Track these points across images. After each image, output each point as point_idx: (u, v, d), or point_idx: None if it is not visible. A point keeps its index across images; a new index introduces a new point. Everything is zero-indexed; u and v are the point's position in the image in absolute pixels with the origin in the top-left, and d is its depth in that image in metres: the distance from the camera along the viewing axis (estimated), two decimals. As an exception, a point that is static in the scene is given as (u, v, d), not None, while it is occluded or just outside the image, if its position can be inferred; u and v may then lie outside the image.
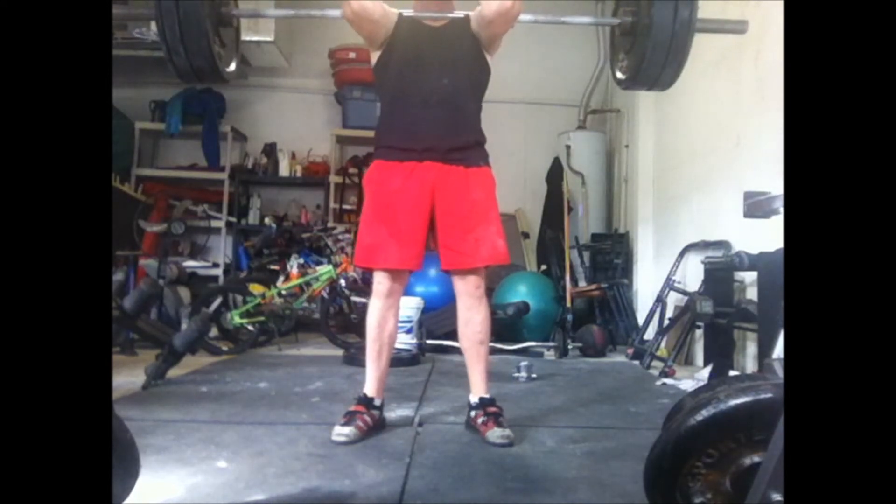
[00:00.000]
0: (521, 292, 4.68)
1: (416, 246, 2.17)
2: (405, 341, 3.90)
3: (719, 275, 3.58)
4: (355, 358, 3.48)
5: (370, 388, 2.22)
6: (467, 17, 2.13)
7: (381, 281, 2.19)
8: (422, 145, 2.14)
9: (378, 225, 2.18)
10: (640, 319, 4.60)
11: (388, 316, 2.20)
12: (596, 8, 5.89)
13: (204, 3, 1.55)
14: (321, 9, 2.21)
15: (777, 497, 0.95)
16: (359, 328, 3.85)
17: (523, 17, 1.96)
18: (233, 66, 1.81)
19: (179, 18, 1.53)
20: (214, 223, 5.88)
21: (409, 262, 2.18)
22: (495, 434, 2.07)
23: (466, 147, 2.19)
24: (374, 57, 2.22)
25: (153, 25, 1.59)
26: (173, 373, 3.12)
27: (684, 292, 3.90)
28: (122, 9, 1.44)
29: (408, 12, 2.14)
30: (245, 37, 5.48)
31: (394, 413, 2.42)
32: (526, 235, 6.05)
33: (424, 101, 2.14)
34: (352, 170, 6.10)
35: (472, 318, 2.19)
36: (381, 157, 2.22)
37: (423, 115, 2.14)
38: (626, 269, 5.18)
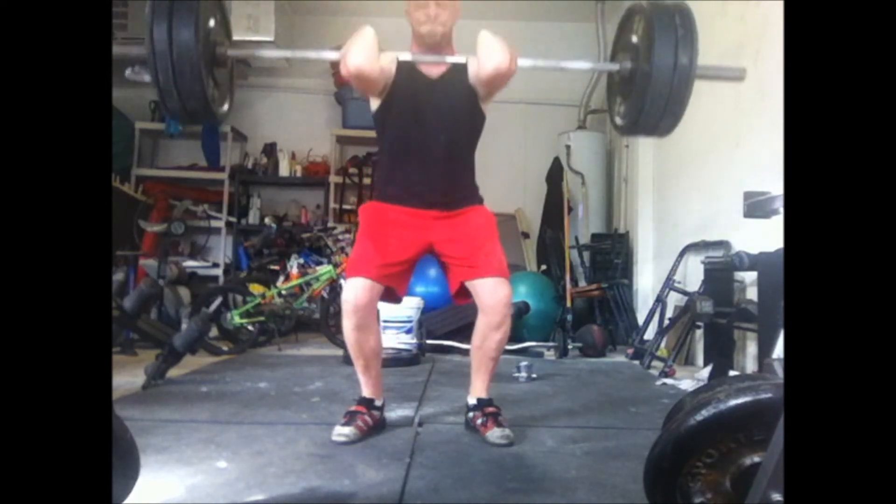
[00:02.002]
0: (521, 292, 4.68)
1: (399, 266, 2.14)
2: (405, 341, 3.90)
3: (719, 275, 3.58)
4: (355, 358, 3.48)
5: (367, 392, 2.22)
6: (465, 69, 2.10)
7: (347, 298, 2.08)
8: (421, 198, 2.17)
9: (366, 240, 2.17)
10: (640, 319, 4.60)
11: (366, 334, 2.11)
12: (596, 8, 5.91)
13: (198, 44, 1.51)
14: (318, 50, 2.23)
15: (777, 497, 0.95)
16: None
17: (522, 62, 1.95)
18: (226, 107, 1.78)
19: (173, 62, 1.48)
20: (214, 223, 5.88)
21: (387, 279, 2.11)
22: (495, 434, 2.07)
23: (463, 198, 2.23)
24: (374, 104, 2.20)
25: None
26: (173, 373, 3.12)
27: (684, 292, 3.90)
28: (116, 47, 1.38)
29: (405, 56, 2.13)
30: (245, 37, 5.52)
31: (394, 413, 2.42)
32: (526, 235, 6.05)
33: (423, 159, 2.16)
34: (352, 170, 6.11)
35: (491, 336, 2.11)
36: (378, 200, 2.25)
37: (423, 172, 2.16)
38: (626, 269, 5.18)
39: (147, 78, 1.54)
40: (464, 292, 2.18)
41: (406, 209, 2.18)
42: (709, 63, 1.66)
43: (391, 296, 2.20)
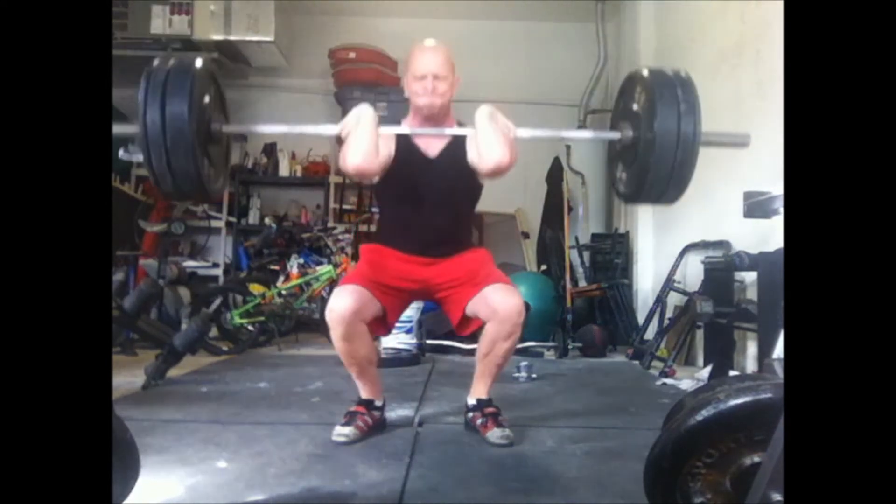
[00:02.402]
0: (521, 292, 4.66)
1: (391, 293, 2.15)
2: (405, 341, 3.90)
3: (719, 275, 3.58)
4: (355, 358, 3.47)
5: (366, 395, 2.21)
6: (463, 144, 2.09)
7: (332, 307, 2.04)
8: (419, 251, 2.19)
9: (363, 265, 2.20)
10: (640, 319, 4.60)
11: (354, 344, 2.08)
12: (596, 8, 5.90)
13: (192, 123, 1.45)
14: (316, 125, 2.21)
15: (777, 497, 0.95)
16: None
17: (522, 133, 1.96)
18: (220, 183, 1.75)
19: (167, 148, 1.45)
20: (214, 223, 5.88)
21: (378, 292, 2.10)
22: (495, 434, 2.07)
23: (460, 248, 2.26)
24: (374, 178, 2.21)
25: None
26: (173, 373, 3.12)
27: (684, 292, 3.90)
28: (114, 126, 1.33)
29: (404, 130, 2.15)
30: (245, 37, 5.52)
31: (394, 413, 2.42)
32: (526, 235, 6.05)
33: (422, 229, 2.19)
34: (352, 170, 6.10)
35: (500, 344, 2.10)
36: (378, 244, 2.28)
37: (421, 237, 2.19)
38: (626, 269, 5.17)
39: (141, 157, 1.50)
40: (466, 321, 2.18)
41: (407, 256, 2.20)
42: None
43: (381, 323, 2.18)
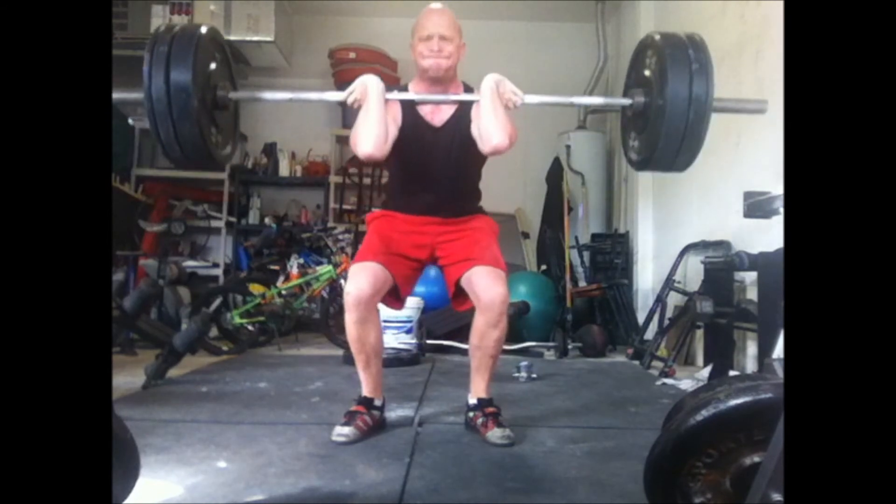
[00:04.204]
0: (521, 292, 4.68)
1: (404, 263, 2.19)
2: (405, 341, 3.90)
3: (719, 275, 3.58)
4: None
5: (367, 391, 2.22)
6: (468, 114, 2.10)
7: (350, 290, 2.07)
8: (427, 213, 2.23)
9: (374, 237, 2.22)
10: (640, 319, 4.60)
11: (367, 329, 2.10)
12: (596, 8, 5.90)
13: (197, 89, 1.45)
14: (320, 91, 2.22)
15: (777, 497, 0.95)
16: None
17: (530, 98, 1.95)
18: (229, 150, 1.75)
19: (173, 116, 1.45)
20: (214, 223, 5.88)
21: (393, 267, 2.14)
22: (495, 434, 2.07)
23: (467, 210, 2.31)
24: None
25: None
26: (173, 373, 3.12)
27: (684, 292, 3.90)
28: (117, 93, 1.34)
29: (410, 95, 2.16)
30: (245, 37, 5.52)
31: (394, 413, 2.42)
32: (526, 235, 6.05)
33: (430, 192, 2.22)
34: (352, 170, 6.10)
35: (489, 334, 2.10)
36: (386, 209, 2.32)
37: (429, 200, 2.22)
38: (626, 269, 5.17)
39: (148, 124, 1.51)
40: (461, 295, 2.19)
41: (413, 217, 2.24)
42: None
43: (394, 296, 2.21)
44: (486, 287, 2.07)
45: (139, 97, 1.49)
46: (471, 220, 2.27)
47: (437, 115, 2.17)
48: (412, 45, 2.14)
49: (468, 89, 2.19)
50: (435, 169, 2.20)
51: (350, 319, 2.08)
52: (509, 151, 2.05)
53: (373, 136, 1.96)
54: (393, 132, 2.06)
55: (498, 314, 2.07)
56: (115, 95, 1.26)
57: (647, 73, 1.66)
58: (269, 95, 1.93)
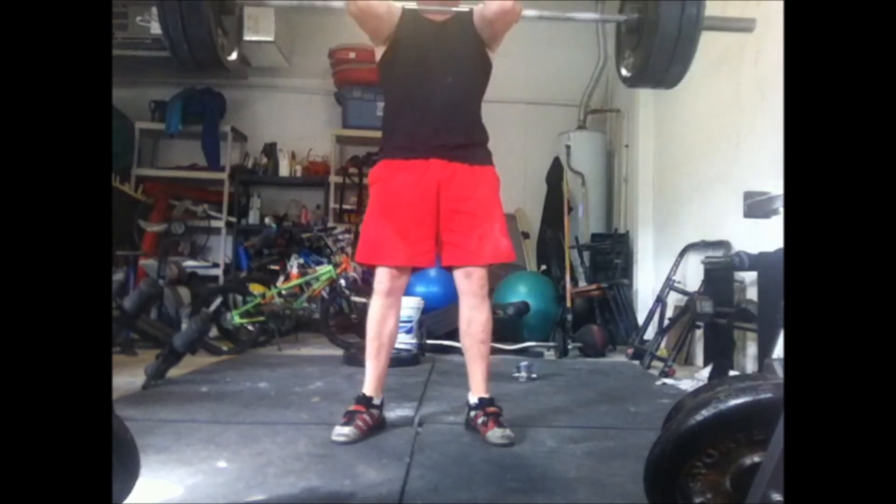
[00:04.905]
0: (521, 292, 4.68)
1: (423, 242, 2.17)
2: (405, 341, 3.90)
3: (719, 275, 3.58)
4: (355, 358, 3.48)
5: (369, 387, 2.22)
6: (470, 12, 2.12)
7: (381, 280, 2.18)
8: (427, 144, 2.15)
9: (383, 221, 2.18)
10: (640, 319, 4.60)
11: (389, 315, 2.19)
12: (596, 7, 5.90)
13: None
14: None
15: (777, 497, 0.95)
16: (359, 328, 3.85)
17: (527, 12, 1.97)
18: (234, 56, 1.80)
19: (182, 13, 1.51)
20: (214, 223, 5.88)
21: (416, 259, 2.18)
22: (496, 434, 2.07)
23: (471, 145, 2.21)
24: (378, 53, 2.22)
25: (154, 10, 1.55)
26: (173, 373, 3.12)
27: (684, 292, 3.90)
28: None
29: (410, 5, 2.15)
30: (245, 37, 5.51)
31: (394, 413, 2.42)
32: (526, 235, 6.05)
33: (429, 100, 2.16)
34: (352, 170, 6.11)
35: (474, 317, 2.19)
36: (386, 157, 2.23)
37: (428, 114, 2.16)
38: (626, 269, 5.18)
39: (155, 26, 1.57)
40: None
41: (413, 163, 2.16)
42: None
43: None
44: (463, 276, 2.18)
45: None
46: (477, 177, 2.18)
47: (439, 15, 2.19)
48: None
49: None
50: (439, 70, 2.14)
51: (378, 304, 2.18)
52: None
53: None
54: (385, 9, 2.10)
55: (479, 298, 2.18)
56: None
57: None
58: (274, 2, 2.05)
